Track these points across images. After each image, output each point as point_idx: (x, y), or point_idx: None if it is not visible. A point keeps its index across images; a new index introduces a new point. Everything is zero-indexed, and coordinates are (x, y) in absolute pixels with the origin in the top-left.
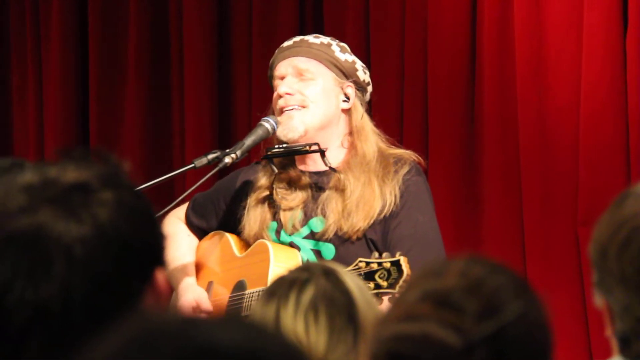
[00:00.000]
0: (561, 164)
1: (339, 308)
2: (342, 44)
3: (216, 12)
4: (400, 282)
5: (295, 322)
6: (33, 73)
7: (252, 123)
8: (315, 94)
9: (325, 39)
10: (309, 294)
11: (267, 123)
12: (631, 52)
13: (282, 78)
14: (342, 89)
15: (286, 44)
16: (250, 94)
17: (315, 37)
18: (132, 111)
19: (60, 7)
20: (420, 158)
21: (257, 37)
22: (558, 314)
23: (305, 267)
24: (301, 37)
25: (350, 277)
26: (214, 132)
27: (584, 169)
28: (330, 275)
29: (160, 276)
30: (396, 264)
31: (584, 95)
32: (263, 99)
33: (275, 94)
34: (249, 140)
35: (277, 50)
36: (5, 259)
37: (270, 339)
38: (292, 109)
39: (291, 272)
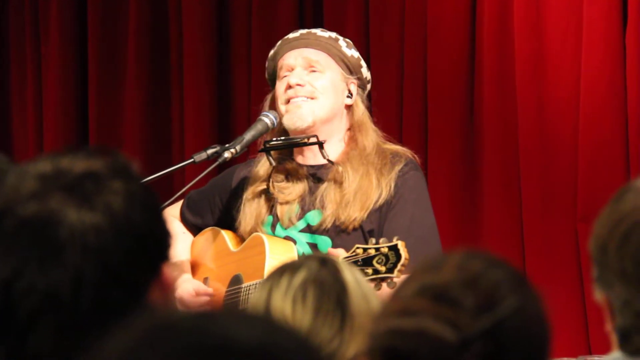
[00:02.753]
0: (560, 160)
1: (329, 292)
2: (348, 40)
3: (215, 8)
4: (399, 266)
5: (284, 302)
6: (32, 70)
7: (252, 118)
8: (325, 86)
9: (332, 34)
10: (300, 276)
11: (267, 118)
12: (631, 48)
13: (291, 69)
14: (346, 84)
15: (292, 35)
16: (249, 89)
17: (322, 30)
18: (131, 107)
19: (60, 4)
20: (415, 155)
21: (256, 32)
22: (557, 309)
23: (304, 256)
24: (308, 29)
25: (349, 269)
26: (213, 127)
27: (584, 165)
28: (326, 263)
29: (166, 270)
30: (394, 249)
31: (583, 91)
32: (262, 94)
33: (282, 83)
34: (248, 135)
35: (280, 42)
36: (17, 245)
37: (285, 334)
38: (303, 100)
39: (291, 260)
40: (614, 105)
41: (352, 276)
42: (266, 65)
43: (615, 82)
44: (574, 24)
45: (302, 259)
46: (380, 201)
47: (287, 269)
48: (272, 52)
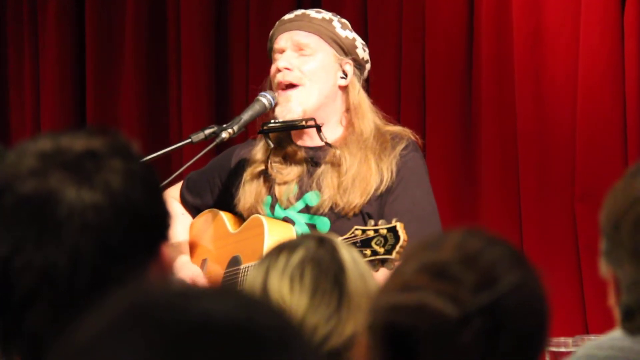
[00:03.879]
0: (558, 140)
1: (326, 271)
2: (343, 20)
3: None
4: (397, 247)
5: (282, 281)
6: (29, 53)
7: (249, 98)
8: (314, 70)
9: (326, 14)
10: (298, 256)
11: (265, 98)
12: (629, 29)
13: (282, 52)
14: (340, 65)
15: (287, 16)
16: (247, 70)
17: (317, 11)
18: (129, 87)
19: None
20: (416, 136)
21: (254, 13)
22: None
23: (302, 236)
24: (303, 10)
25: (346, 248)
26: (211, 108)
27: (581, 145)
28: (324, 242)
29: (165, 251)
30: (392, 230)
31: (581, 71)
32: (260, 74)
33: (273, 67)
34: (246, 116)
35: (277, 23)
36: (15, 222)
37: (263, 310)
38: (291, 89)
39: (288, 240)
40: (612, 86)
41: (349, 255)
42: (267, 45)
43: (613, 62)
44: (572, 4)
45: (300, 238)
46: (382, 188)
47: (284, 248)
48: (271, 32)
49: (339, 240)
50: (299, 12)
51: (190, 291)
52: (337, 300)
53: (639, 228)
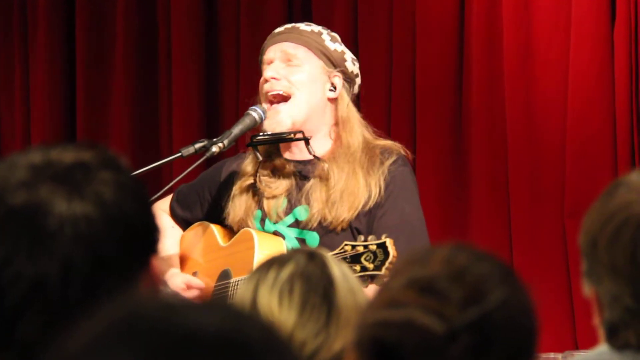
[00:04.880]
0: (548, 156)
1: (315, 286)
2: (333, 33)
3: (204, 1)
4: (387, 264)
5: (271, 296)
6: (19, 59)
7: (240, 112)
8: (301, 80)
9: (316, 27)
10: (287, 270)
11: (255, 112)
12: (619, 44)
13: (270, 62)
14: (329, 77)
15: (278, 30)
16: (238, 84)
17: (307, 24)
18: (119, 99)
19: None
20: (407, 150)
21: (244, 27)
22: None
23: (292, 250)
24: (293, 24)
25: (336, 263)
26: (201, 121)
27: (571, 161)
28: (314, 257)
29: (155, 263)
30: (382, 246)
31: (571, 87)
32: (251, 88)
33: (262, 79)
34: (236, 130)
35: (268, 36)
36: (5, 233)
37: (251, 323)
38: (280, 103)
39: (278, 254)
40: (602, 102)
41: (339, 270)
42: (259, 59)
43: (604, 78)
44: (563, 20)
45: (290, 253)
46: (370, 203)
47: (274, 263)
48: (262, 45)
49: (329, 255)
50: (289, 25)
51: (177, 304)
52: (326, 315)
53: (615, 242)
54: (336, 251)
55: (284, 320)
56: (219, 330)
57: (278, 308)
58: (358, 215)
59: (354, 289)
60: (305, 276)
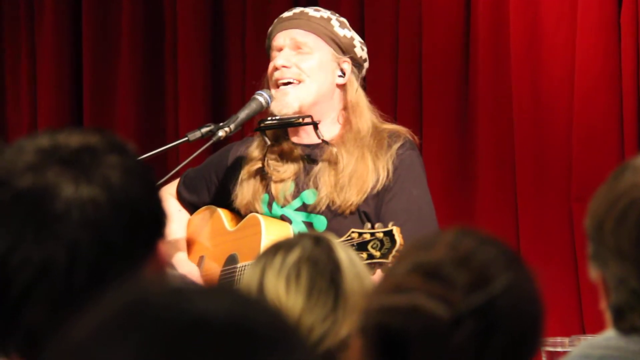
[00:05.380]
0: (555, 139)
1: (322, 271)
2: (342, 19)
3: None
4: (393, 252)
5: (278, 281)
6: (26, 51)
7: (246, 97)
8: (312, 68)
9: (325, 13)
10: (294, 255)
11: (261, 97)
12: (625, 28)
13: (280, 49)
14: (338, 64)
15: (286, 14)
16: (244, 68)
17: (315, 10)
18: (125, 85)
19: None
20: (414, 135)
21: (250, 18)
22: (551, 288)
23: (299, 235)
24: (302, 9)
25: (343, 248)
26: (207, 113)
27: (578, 145)
28: (320, 242)
29: (162, 248)
30: (389, 234)
31: (578, 71)
32: (257, 73)
33: (271, 65)
34: (242, 114)
35: (276, 20)
36: (12, 217)
37: (258, 308)
38: (288, 84)
39: (284, 239)
40: (609, 86)
41: (346, 255)
42: (265, 43)
43: (610, 62)
44: (569, 4)
45: (297, 238)
46: (378, 186)
47: (281, 248)
48: (269, 29)
49: (335, 239)
50: (297, 10)
51: (185, 289)
52: (333, 300)
53: (621, 225)
54: (343, 238)
55: (291, 305)
56: (226, 317)
57: (285, 293)
58: (366, 198)
59: (361, 274)
60: (312, 261)
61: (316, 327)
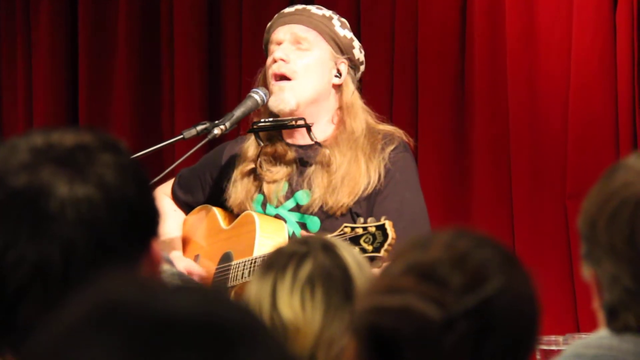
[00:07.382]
0: (550, 137)
1: (336, 285)
2: (343, 19)
3: None
4: (386, 245)
5: (292, 296)
6: (22, 50)
7: (242, 95)
8: (309, 65)
9: (327, 12)
10: (306, 268)
11: (257, 94)
12: (621, 26)
13: (279, 43)
14: (335, 63)
15: (287, 10)
16: (240, 69)
17: (317, 8)
18: (121, 81)
19: None
20: (409, 137)
21: (247, 11)
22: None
23: (304, 241)
24: (303, 5)
25: (349, 252)
26: (203, 107)
27: (573, 142)
28: (329, 250)
29: (156, 246)
30: (381, 228)
31: (573, 69)
32: (253, 70)
33: (269, 59)
34: (238, 112)
35: (276, 15)
36: (7, 216)
37: (227, 305)
38: (283, 78)
39: (290, 244)
40: (604, 83)
41: (353, 260)
42: (264, 38)
43: (606, 59)
44: (565, 3)
45: (305, 244)
46: (369, 189)
47: (292, 258)
48: (268, 24)
49: (340, 242)
50: (299, 6)
51: (154, 287)
52: (349, 314)
53: (614, 222)
54: (335, 233)
55: (309, 321)
56: (197, 314)
57: (301, 310)
58: (358, 200)
59: (368, 276)
60: (325, 275)
61: (336, 341)
